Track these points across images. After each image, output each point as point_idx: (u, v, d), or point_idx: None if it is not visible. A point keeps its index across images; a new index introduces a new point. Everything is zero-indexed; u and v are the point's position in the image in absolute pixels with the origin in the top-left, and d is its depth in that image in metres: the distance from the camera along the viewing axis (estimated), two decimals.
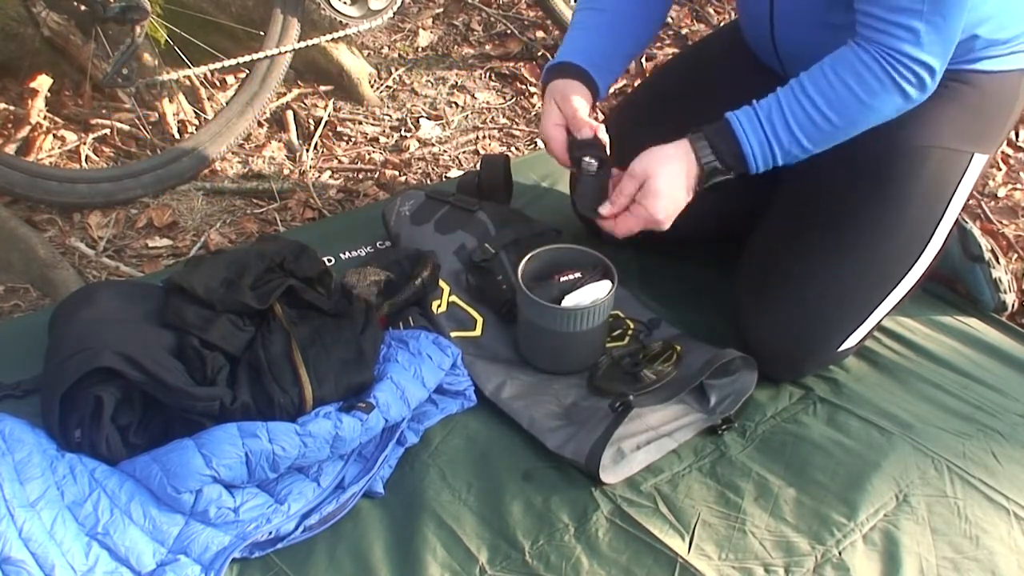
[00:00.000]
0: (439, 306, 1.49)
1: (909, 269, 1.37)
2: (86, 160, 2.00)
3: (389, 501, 1.23)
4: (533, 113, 2.35)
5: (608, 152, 1.32)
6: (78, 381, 1.18)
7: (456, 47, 2.61)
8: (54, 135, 2.02)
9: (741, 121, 1.22)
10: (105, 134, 2.05)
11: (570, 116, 1.32)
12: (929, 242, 1.37)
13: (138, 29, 1.78)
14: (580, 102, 1.33)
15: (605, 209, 1.28)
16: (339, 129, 2.22)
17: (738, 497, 1.25)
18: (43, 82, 2.03)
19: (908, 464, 1.30)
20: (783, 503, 1.25)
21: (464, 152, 2.19)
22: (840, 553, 1.18)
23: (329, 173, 2.08)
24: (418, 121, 2.28)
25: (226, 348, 1.28)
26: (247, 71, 2.07)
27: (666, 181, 1.23)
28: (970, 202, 1.46)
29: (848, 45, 1.19)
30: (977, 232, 1.62)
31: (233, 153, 2.07)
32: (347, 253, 1.68)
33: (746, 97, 1.28)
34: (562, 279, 1.41)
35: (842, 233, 1.37)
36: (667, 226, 1.26)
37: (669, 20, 2.73)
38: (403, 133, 2.24)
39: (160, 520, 1.12)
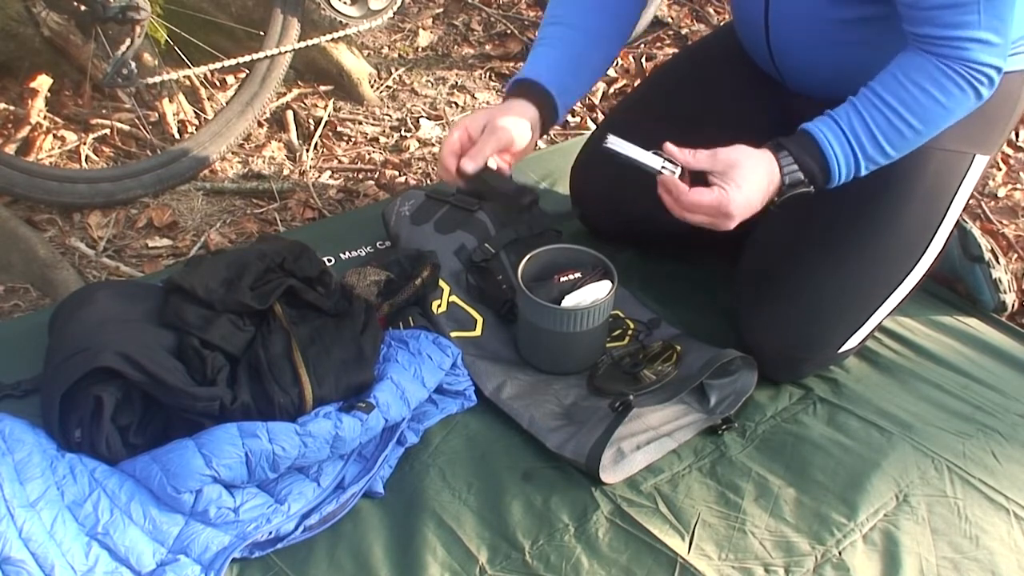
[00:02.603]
0: (439, 306, 1.49)
1: (910, 271, 1.37)
2: (86, 160, 2.00)
3: (389, 501, 1.23)
4: None
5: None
6: (78, 381, 1.18)
7: (456, 47, 2.61)
8: (54, 135, 2.02)
9: (824, 133, 1.18)
10: (105, 134, 2.05)
11: (479, 145, 1.21)
12: (930, 244, 1.37)
13: (138, 29, 1.78)
14: (489, 148, 1.21)
15: (682, 156, 1.17)
16: (339, 129, 2.22)
17: (738, 497, 1.25)
18: (43, 82, 2.03)
19: (908, 464, 1.30)
20: (783, 503, 1.25)
21: None
22: (840, 553, 1.18)
23: (329, 173, 2.08)
24: (418, 121, 2.28)
25: (226, 348, 1.28)
26: (247, 71, 2.07)
27: (751, 172, 1.16)
28: (970, 202, 1.45)
29: (917, 53, 1.17)
30: (977, 232, 1.62)
31: (233, 153, 2.07)
32: (347, 253, 1.68)
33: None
34: (562, 279, 1.41)
35: (843, 234, 1.37)
36: (733, 223, 1.17)
37: (669, 20, 2.73)
38: (403, 133, 2.24)
39: (160, 520, 1.12)
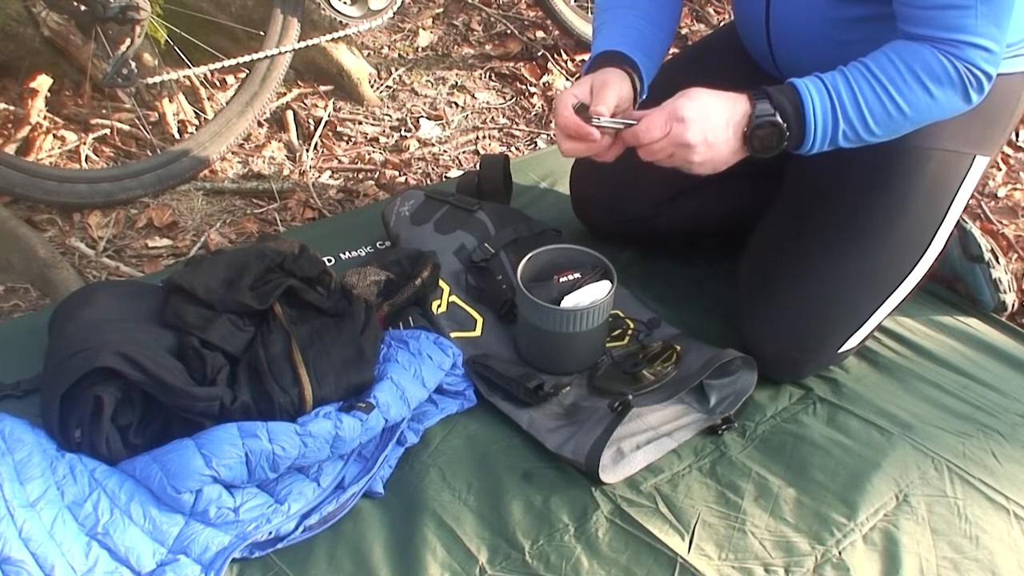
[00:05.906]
0: (439, 306, 1.49)
1: (910, 272, 1.37)
2: (86, 160, 2.00)
3: (389, 501, 1.23)
4: (533, 113, 2.35)
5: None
6: (78, 381, 1.18)
7: (456, 47, 2.61)
8: (54, 135, 2.02)
9: (807, 85, 1.17)
10: (105, 134, 2.05)
11: (594, 98, 1.22)
12: (930, 244, 1.37)
13: (138, 29, 1.78)
14: (612, 96, 1.22)
15: (639, 114, 1.17)
16: (339, 129, 2.22)
17: (738, 497, 1.25)
18: (43, 82, 2.03)
19: (908, 464, 1.31)
20: (783, 503, 1.25)
21: (464, 152, 2.19)
22: (840, 553, 1.18)
23: (329, 173, 2.08)
24: (418, 121, 2.28)
25: (226, 348, 1.28)
26: (247, 71, 2.07)
27: (708, 96, 1.15)
28: (970, 202, 1.45)
29: (915, 40, 1.16)
30: (977, 232, 1.62)
31: (233, 153, 2.07)
32: (347, 253, 1.68)
33: None
34: (561, 280, 1.41)
35: (843, 235, 1.37)
36: (692, 134, 1.13)
37: None
38: (403, 133, 2.24)
39: (160, 520, 1.12)
